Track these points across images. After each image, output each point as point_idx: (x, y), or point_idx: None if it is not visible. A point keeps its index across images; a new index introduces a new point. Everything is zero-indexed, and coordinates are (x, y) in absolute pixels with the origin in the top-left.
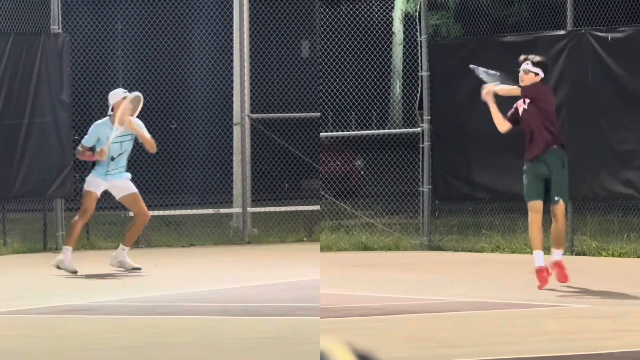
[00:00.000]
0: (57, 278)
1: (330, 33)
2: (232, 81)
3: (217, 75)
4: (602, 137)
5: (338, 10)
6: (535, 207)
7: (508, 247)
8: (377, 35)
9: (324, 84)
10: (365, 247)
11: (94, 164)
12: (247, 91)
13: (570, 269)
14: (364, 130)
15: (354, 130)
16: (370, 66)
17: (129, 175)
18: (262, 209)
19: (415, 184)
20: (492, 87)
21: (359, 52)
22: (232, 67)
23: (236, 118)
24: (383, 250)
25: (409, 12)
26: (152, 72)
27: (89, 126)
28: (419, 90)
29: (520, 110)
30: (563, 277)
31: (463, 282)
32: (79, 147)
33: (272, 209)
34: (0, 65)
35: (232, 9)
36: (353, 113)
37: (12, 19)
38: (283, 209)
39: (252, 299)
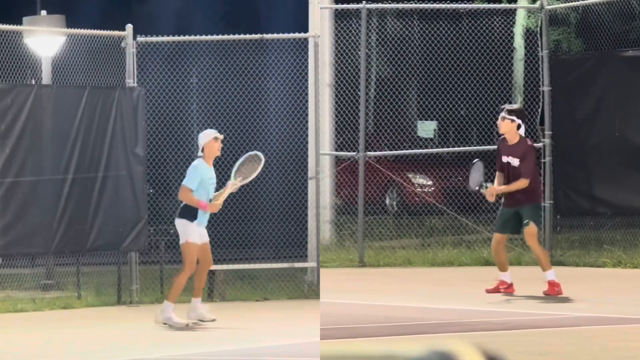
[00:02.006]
0: (130, 332)
1: (452, 48)
2: (307, 135)
3: (292, 129)
4: None
5: (460, 26)
6: None
7: (630, 262)
8: (498, 50)
9: (444, 98)
10: (487, 262)
11: (194, 214)
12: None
13: None
14: (486, 145)
15: (475, 146)
16: (491, 81)
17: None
18: None
19: None
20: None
21: (480, 68)
22: (307, 121)
23: (311, 172)
24: None
25: (530, 28)
26: (226, 126)
27: (164, 180)
28: (540, 105)
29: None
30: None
31: (584, 297)
32: (187, 189)
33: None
34: (76, 118)
35: (308, 62)
36: (474, 128)
37: (87, 72)
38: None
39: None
